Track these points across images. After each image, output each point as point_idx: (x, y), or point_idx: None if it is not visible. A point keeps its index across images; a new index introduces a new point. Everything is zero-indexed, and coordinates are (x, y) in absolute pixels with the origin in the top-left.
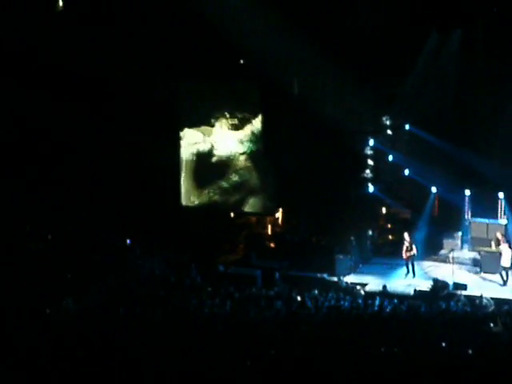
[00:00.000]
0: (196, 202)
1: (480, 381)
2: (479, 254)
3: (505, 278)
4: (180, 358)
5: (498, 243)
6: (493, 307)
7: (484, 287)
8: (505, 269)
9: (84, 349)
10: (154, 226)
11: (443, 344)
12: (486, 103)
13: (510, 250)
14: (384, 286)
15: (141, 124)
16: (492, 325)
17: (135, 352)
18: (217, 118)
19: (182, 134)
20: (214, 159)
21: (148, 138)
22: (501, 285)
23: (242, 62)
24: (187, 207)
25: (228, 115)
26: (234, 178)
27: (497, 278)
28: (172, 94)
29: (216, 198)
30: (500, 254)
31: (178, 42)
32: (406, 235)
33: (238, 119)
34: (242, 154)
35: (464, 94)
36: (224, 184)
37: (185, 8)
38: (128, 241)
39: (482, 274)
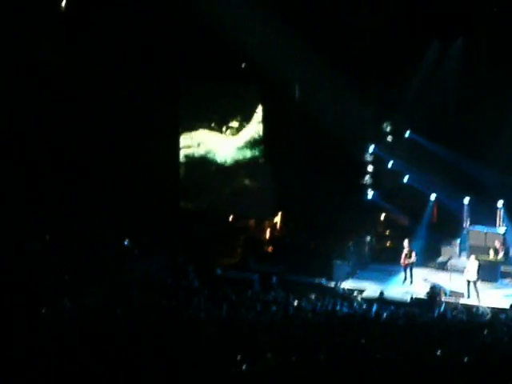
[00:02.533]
0: (195, 206)
1: None
2: (476, 261)
3: (470, 292)
4: (175, 361)
5: (496, 252)
6: (489, 316)
7: (481, 296)
8: (470, 282)
9: (80, 349)
10: (153, 228)
11: (439, 351)
12: (488, 111)
13: (477, 261)
14: (381, 293)
15: (141, 125)
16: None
17: (131, 354)
18: (217, 122)
19: (182, 136)
20: (214, 164)
21: (148, 139)
22: (467, 297)
23: (243, 65)
24: (186, 210)
25: (228, 119)
26: (234, 182)
27: (494, 286)
28: (173, 96)
29: (215, 202)
30: (497, 263)
31: (179, 43)
32: (405, 242)
33: (239, 123)
34: (242, 159)
35: (465, 101)
36: (223, 189)
37: (186, 8)
38: (126, 242)
39: (480, 283)
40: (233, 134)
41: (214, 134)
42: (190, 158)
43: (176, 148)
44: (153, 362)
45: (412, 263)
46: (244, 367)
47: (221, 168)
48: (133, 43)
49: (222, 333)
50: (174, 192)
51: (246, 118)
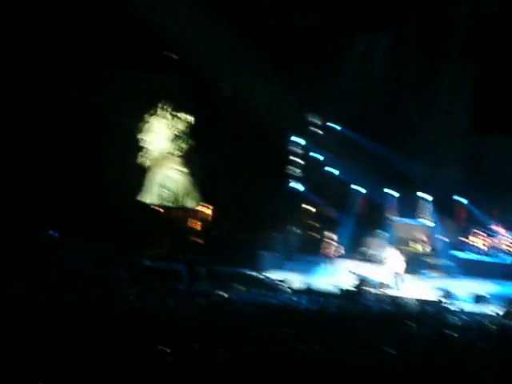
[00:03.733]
0: (123, 196)
1: (402, 380)
2: (402, 253)
3: (396, 283)
4: (102, 353)
5: (421, 244)
6: (416, 308)
7: (407, 287)
8: (395, 274)
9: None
10: (79, 218)
11: (366, 343)
12: (414, 105)
13: (400, 253)
14: (308, 284)
15: (69, 117)
16: None
17: (55, 346)
18: (148, 115)
19: (111, 127)
20: (145, 154)
21: (77, 130)
22: (394, 289)
23: (174, 56)
24: (114, 200)
25: (159, 111)
26: (162, 173)
27: (420, 278)
28: (103, 90)
29: (142, 191)
30: (423, 255)
31: (109, 35)
32: (332, 234)
33: (170, 114)
34: (172, 149)
35: (392, 95)
36: (152, 179)
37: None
38: (51, 232)
39: (405, 275)
40: (164, 126)
41: (147, 126)
42: (121, 149)
43: (103, 136)
44: (80, 353)
45: (339, 255)
46: (170, 358)
47: (152, 159)
48: (61, 33)
49: (150, 324)
50: (102, 183)
51: (177, 109)
